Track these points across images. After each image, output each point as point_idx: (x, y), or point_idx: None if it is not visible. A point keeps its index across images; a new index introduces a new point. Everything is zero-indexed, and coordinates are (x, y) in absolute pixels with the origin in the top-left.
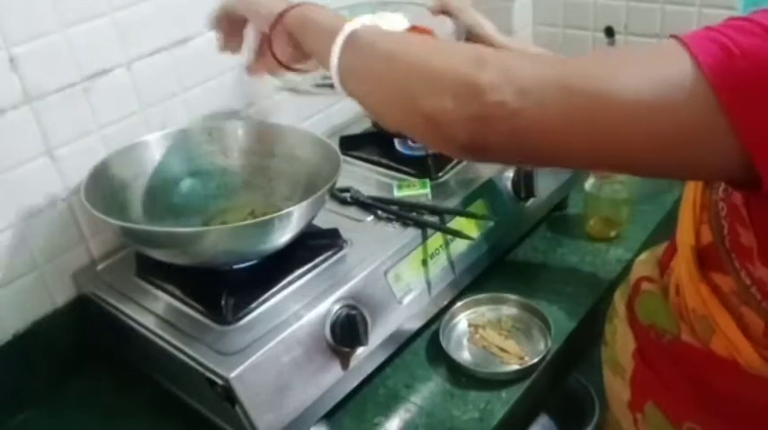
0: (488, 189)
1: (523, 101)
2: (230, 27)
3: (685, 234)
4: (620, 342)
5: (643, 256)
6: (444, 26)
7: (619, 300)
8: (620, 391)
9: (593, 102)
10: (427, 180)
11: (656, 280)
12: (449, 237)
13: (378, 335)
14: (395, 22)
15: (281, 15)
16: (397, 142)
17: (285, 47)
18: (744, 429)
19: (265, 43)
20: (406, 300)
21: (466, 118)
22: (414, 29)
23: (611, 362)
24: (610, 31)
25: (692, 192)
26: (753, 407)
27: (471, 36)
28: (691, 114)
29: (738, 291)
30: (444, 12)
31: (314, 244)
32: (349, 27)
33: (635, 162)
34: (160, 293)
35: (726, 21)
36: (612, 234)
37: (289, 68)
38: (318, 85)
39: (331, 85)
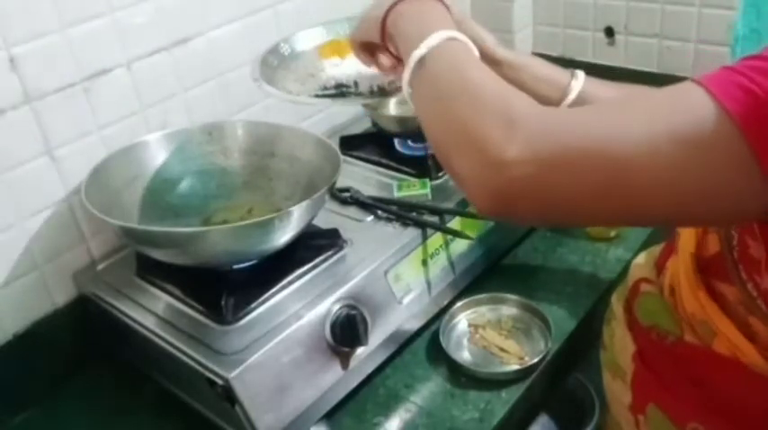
0: None
1: (549, 174)
2: (369, 52)
3: (686, 241)
4: (618, 344)
5: (640, 258)
6: None
7: (616, 302)
8: (620, 394)
9: (623, 170)
10: (427, 180)
11: (653, 281)
12: (449, 237)
13: (378, 335)
14: None
15: (383, 24)
16: (397, 142)
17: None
18: (746, 429)
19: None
20: (406, 300)
21: (488, 189)
22: None
23: (611, 364)
24: (610, 31)
25: None
26: (757, 407)
27: None
28: (725, 164)
29: (745, 302)
30: None
31: (314, 244)
32: (419, 52)
33: (667, 218)
34: (160, 293)
35: (742, 61)
36: (612, 234)
37: None
38: (318, 96)
39: (330, 95)
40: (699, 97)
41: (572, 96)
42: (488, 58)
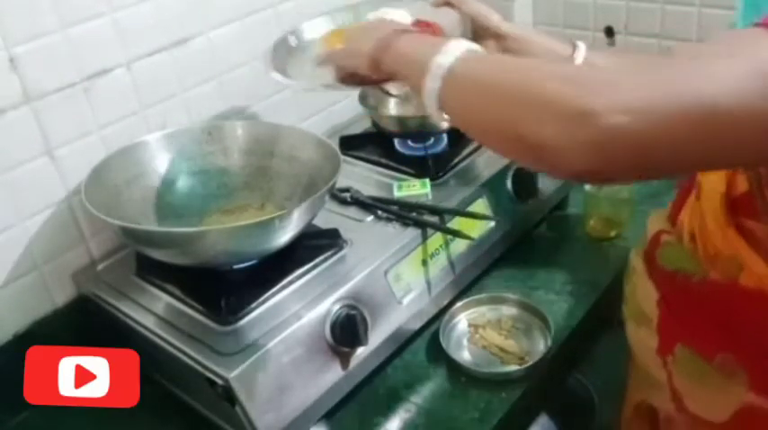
0: (488, 189)
1: (637, 119)
2: (357, 80)
3: (716, 182)
4: (641, 294)
5: (654, 215)
6: (449, 18)
7: (635, 258)
8: (647, 339)
9: (709, 110)
10: (427, 180)
11: (671, 231)
12: (449, 237)
13: (378, 335)
14: (398, 17)
15: (378, 59)
16: (397, 142)
17: (387, 84)
18: None
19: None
20: (406, 300)
21: (581, 144)
22: (418, 23)
23: (635, 314)
24: (610, 31)
25: None
26: None
27: (476, 26)
28: None
29: None
30: (447, 3)
31: (314, 244)
32: (441, 61)
33: (751, 157)
34: (160, 293)
35: None
36: (612, 234)
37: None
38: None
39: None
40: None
41: None
42: (494, 33)
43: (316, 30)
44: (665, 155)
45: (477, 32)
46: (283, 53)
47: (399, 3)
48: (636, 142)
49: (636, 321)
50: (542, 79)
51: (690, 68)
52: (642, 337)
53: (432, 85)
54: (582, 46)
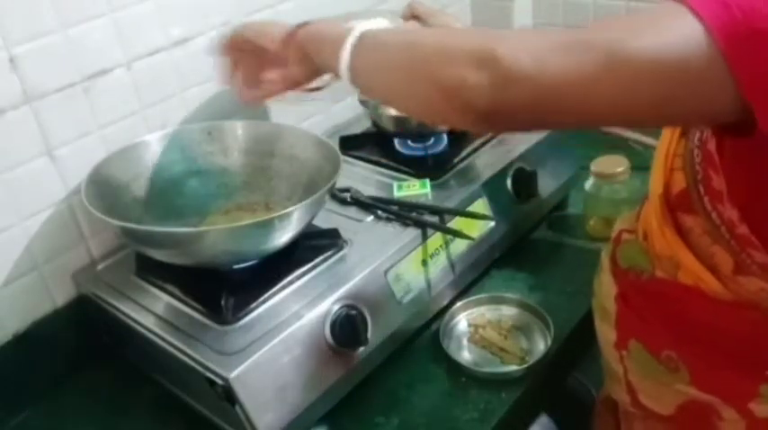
0: (488, 189)
1: (542, 63)
2: (234, 57)
3: (655, 183)
4: (604, 290)
5: (625, 213)
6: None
7: (604, 256)
8: (607, 334)
9: (613, 61)
10: (427, 180)
11: (633, 230)
12: (449, 237)
13: (378, 335)
14: (374, 26)
15: (293, 33)
16: (397, 142)
17: (297, 64)
18: (712, 351)
19: (268, 67)
20: (406, 299)
21: (486, 84)
22: None
23: (599, 309)
24: None
25: (665, 143)
26: (718, 329)
27: None
28: (699, 70)
29: (710, 231)
30: (414, 16)
31: (314, 244)
32: (360, 27)
33: (646, 116)
34: (160, 293)
35: None
36: (612, 234)
37: (300, 88)
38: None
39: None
40: (680, 12)
41: None
42: None
43: None
44: (563, 101)
45: None
46: None
47: (368, 15)
48: (536, 82)
49: (599, 316)
50: (459, 35)
51: (607, 27)
52: (603, 332)
53: (347, 51)
54: None
